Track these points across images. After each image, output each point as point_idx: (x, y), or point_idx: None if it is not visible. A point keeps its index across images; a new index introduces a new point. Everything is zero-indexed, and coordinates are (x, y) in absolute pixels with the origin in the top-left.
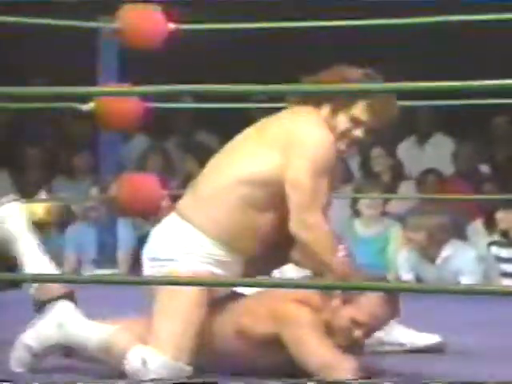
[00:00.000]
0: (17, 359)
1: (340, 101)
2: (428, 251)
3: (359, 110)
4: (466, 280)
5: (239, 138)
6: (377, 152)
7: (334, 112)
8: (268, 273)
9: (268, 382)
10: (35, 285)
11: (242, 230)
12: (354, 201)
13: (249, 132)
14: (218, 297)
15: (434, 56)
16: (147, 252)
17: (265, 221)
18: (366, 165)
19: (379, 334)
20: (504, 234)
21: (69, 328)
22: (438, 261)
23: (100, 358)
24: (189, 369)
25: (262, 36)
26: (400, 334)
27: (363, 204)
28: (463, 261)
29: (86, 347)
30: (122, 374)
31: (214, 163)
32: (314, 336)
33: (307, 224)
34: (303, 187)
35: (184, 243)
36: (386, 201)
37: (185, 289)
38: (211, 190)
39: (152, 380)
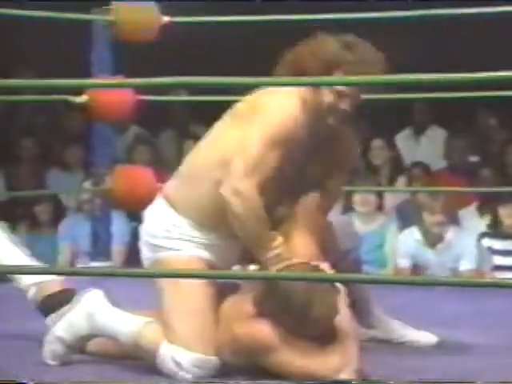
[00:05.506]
0: (51, 352)
1: (317, 75)
2: (433, 233)
3: None
4: (465, 264)
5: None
6: (377, 143)
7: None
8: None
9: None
10: (33, 288)
11: (221, 214)
12: (346, 197)
13: (226, 113)
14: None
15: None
16: (141, 234)
17: None
18: (365, 157)
19: (376, 333)
20: (495, 225)
21: (98, 318)
22: (440, 245)
23: (131, 349)
24: (216, 360)
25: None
26: (397, 332)
27: (357, 201)
28: (463, 246)
29: (117, 338)
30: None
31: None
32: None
33: (238, 191)
34: (248, 154)
35: (169, 227)
36: (381, 195)
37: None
38: (189, 174)
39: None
